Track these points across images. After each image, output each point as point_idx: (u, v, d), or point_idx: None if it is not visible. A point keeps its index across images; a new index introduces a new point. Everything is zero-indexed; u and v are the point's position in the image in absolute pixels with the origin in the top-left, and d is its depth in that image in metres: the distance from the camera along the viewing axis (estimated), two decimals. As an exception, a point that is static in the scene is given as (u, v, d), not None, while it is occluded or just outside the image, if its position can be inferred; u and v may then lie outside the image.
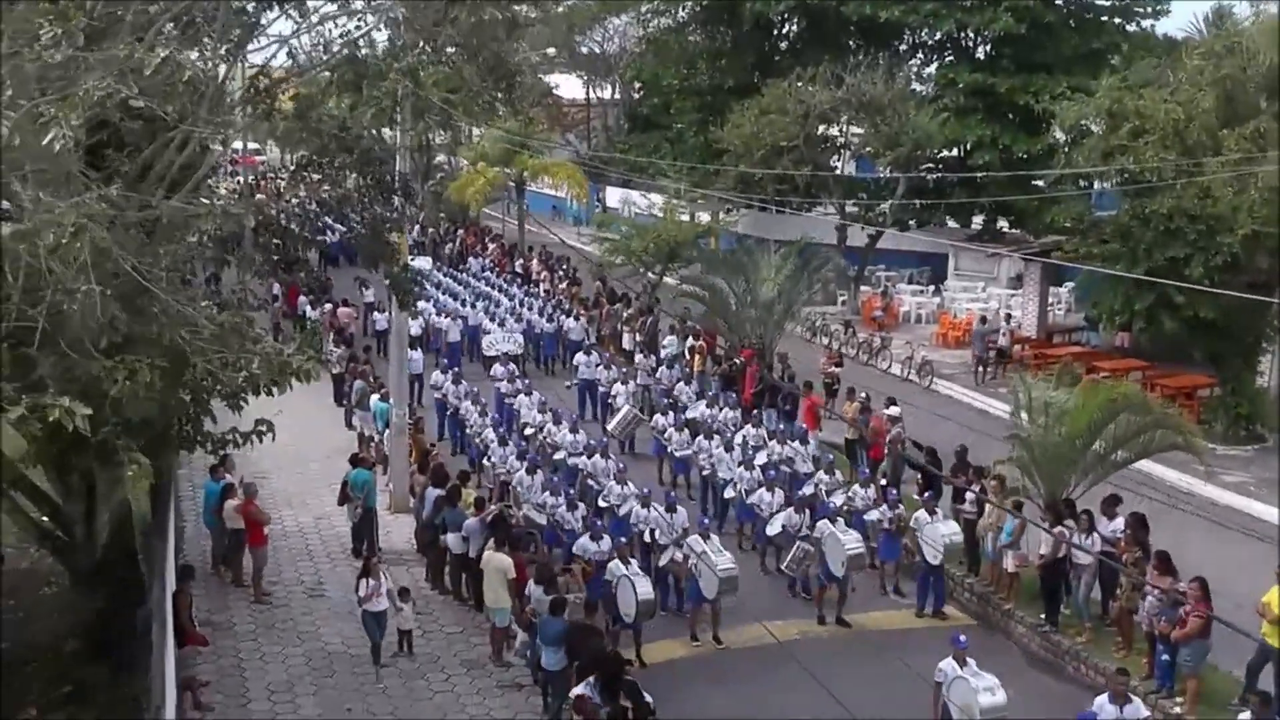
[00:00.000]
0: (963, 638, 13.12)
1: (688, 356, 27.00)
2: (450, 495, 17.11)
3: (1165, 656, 13.91)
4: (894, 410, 21.13)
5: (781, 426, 21.15)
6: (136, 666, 13.54)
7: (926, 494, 17.40)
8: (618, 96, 63.68)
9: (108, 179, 9.56)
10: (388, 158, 17.13)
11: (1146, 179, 23.34)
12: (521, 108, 39.85)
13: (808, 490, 18.21)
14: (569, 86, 66.97)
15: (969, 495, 17.44)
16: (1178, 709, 13.72)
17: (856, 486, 18.37)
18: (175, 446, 13.62)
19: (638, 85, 55.19)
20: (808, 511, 17.33)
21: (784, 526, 17.25)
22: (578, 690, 11.94)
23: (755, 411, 22.84)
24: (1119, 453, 16.86)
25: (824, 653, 15.91)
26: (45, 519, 14.84)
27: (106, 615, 14.16)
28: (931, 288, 39.72)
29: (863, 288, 38.63)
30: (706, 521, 17.20)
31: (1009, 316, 32.11)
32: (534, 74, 61.84)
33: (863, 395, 22.39)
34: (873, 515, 17.65)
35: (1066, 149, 31.04)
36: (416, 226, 43.69)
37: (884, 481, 19.10)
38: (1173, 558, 14.37)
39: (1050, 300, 35.50)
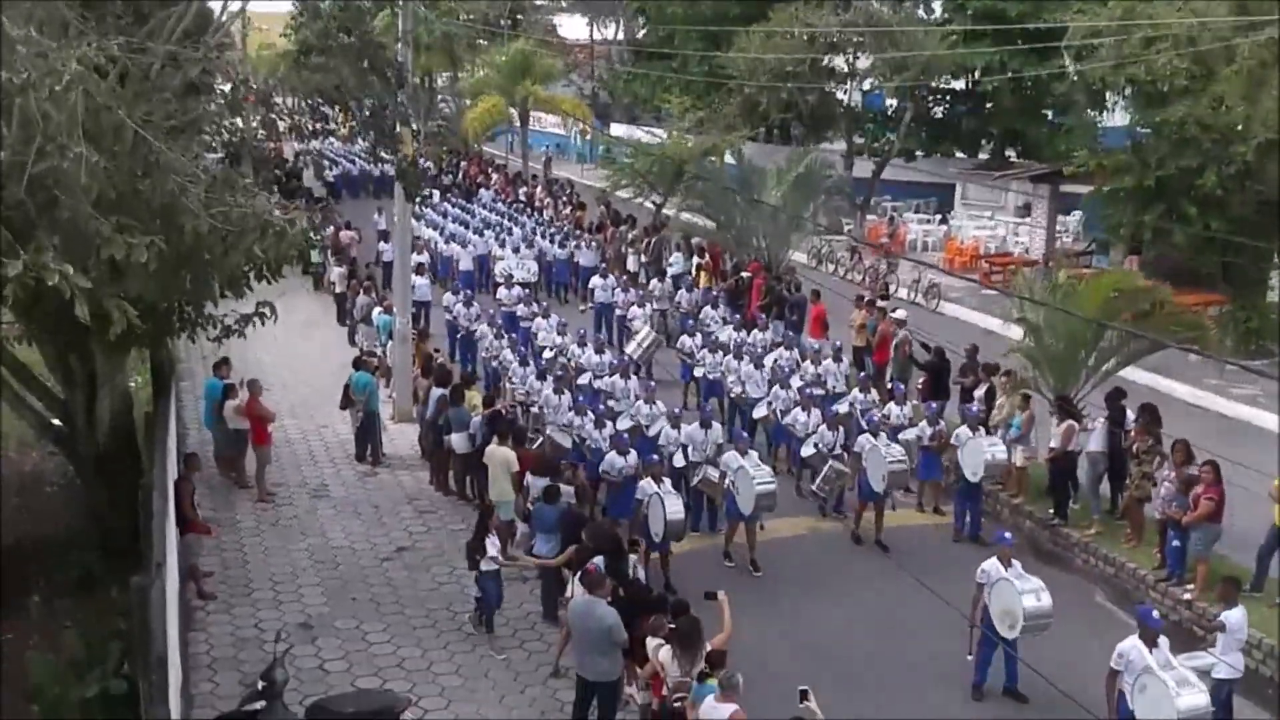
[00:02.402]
0: (1008, 535, 12.62)
1: (694, 274, 26.71)
2: (454, 394, 16.94)
3: (1176, 543, 13.79)
4: (899, 314, 20.90)
5: (789, 335, 20.78)
6: (140, 554, 13.52)
7: (969, 408, 16.65)
8: (621, 36, 63.08)
9: (105, 29, 9.34)
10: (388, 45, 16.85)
11: (1158, 88, 22.99)
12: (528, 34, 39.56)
13: (842, 408, 17.44)
14: (572, 27, 66.39)
15: (977, 394, 17.27)
16: (1187, 594, 13.61)
17: (893, 404, 17.56)
18: (176, 330, 13.49)
19: (641, 20, 54.58)
20: (841, 430, 16.58)
21: (817, 446, 16.44)
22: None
23: (763, 319, 22.20)
24: (1130, 348, 16.62)
25: (836, 549, 15.92)
26: (45, 410, 14.77)
27: (110, 504, 14.13)
28: (938, 217, 39.45)
29: (868, 217, 38.33)
30: (746, 436, 16.26)
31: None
32: (535, 12, 61.48)
33: (867, 300, 22.18)
34: (910, 434, 16.72)
35: (1076, 70, 30.59)
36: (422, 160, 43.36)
37: (889, 386, 18.75)
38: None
39: (1058, 229, 35.30)
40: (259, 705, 10.28)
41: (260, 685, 10.40)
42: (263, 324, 12.88)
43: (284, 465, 18.29)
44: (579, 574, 11.43)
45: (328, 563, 15.11)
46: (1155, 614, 10.98)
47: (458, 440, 16.73)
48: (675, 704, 10.03)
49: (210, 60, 9.87)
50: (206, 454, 17.82)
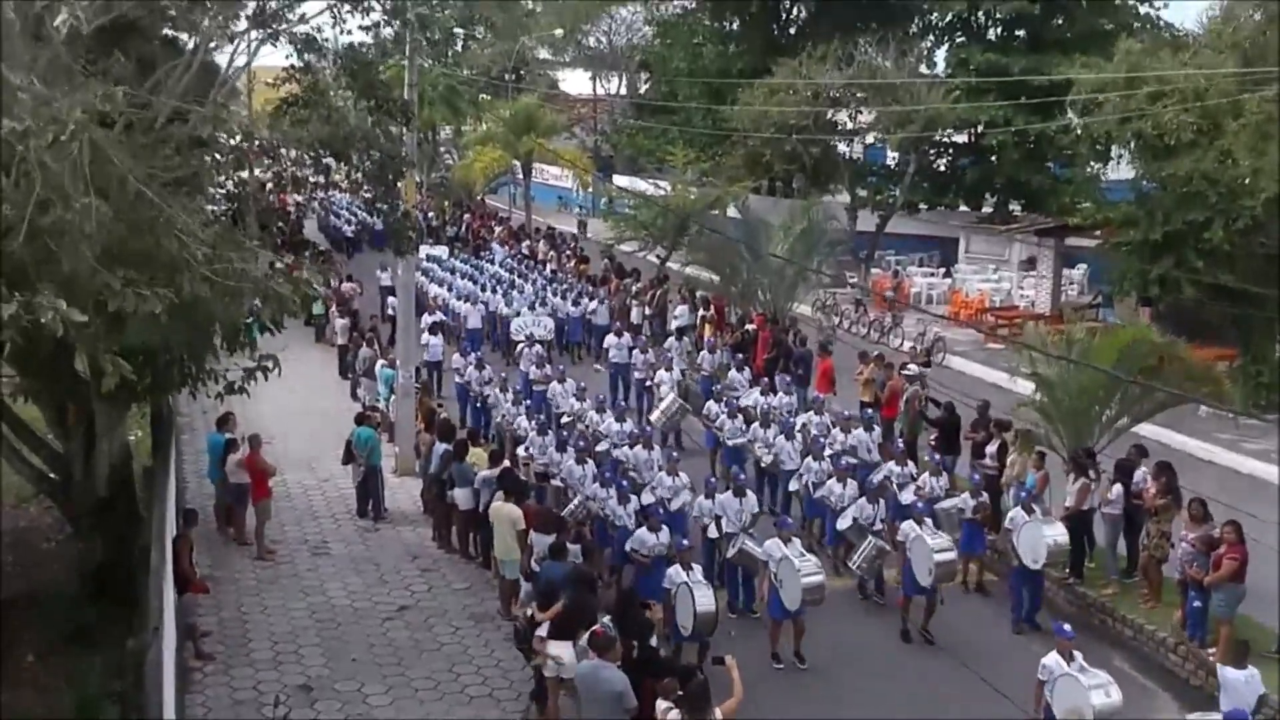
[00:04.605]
0: (1067, 627, 11.86)
1: (698, 326, 26.51)
2: (458, 450, 16.68)
3: (1197, 603, 13.47)
4: (912, 369, 20.63)
5: (799, 391, 20.40)
6: (137, 611, 13.24)
7: (1025, 492, 15.34)
8: (624, 91, 63.46)
9: (114, 80, 9.22)
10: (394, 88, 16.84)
11: (1164, 142, 22.93)
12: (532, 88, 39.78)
13: (877, 478, 16.49)
14: (576, 82, 66.75)
15: (989, 450, 17.01)
16: (1210, 657, 13.27)
17: (927, 475, 16.35)
18: (177, 384, 13.29)
19: (644, 75, 55.01)
20: (881, 503, 15.47)
21: (854, 519, 15.29)
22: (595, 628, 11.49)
23: (768, 379, 21.78)
24: (1144, 404, 16.39)
25: (849, 608, 15.46)
26: (42, 463, 14.55)
27: (107, 560, 13.86)
28: (942, 270, 39.39)
29: (872, 270, 38.27)
30: (790, 522, 14.89)
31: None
32: (539, 67, 61.90)
33: (876, 354, 21.94)
34: (948, 504, 15.62)
35: (1079, 127, 30.60)
36: (425, 213, 43.38)
37: (900, 441, 18.44)
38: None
39: (1063, 282, 35.21)
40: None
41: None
42: (265, 378, 12.67)
43: (284, 521, 18.01)
44: (589, 640, 11.10)
45: (328, 622, 14.79)
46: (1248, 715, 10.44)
47: (461, 496, 16.45)
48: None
49: (219, 119, 9.73)
50: (206, 509, 17.57)
